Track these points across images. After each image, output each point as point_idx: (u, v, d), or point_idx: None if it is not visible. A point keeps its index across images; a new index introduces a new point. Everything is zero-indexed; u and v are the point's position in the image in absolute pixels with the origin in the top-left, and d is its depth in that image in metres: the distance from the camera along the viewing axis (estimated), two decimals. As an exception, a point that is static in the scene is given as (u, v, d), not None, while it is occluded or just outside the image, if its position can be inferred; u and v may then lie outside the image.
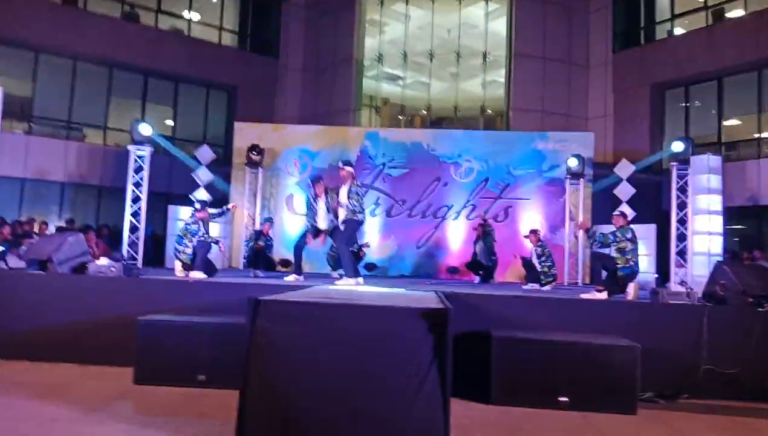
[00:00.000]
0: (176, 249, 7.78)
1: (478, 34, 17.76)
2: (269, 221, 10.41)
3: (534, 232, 9.42)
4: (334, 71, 17.86)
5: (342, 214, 7.41)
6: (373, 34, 18.29)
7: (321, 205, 7.69)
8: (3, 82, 13.17)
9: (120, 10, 16.14)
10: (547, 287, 8.80)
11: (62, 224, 13.45)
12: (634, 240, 7.17)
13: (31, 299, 6.03)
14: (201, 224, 7.75)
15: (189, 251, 7.65)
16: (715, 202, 10.33)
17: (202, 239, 7.69)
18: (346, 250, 7.54)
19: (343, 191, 7.41)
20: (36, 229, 11.22)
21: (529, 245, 9.64)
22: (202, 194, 11.61)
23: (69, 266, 6.47)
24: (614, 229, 7.24)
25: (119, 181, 12.63)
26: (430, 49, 17.71)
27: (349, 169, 7.50)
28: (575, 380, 4.91)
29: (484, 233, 10.27)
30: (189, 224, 7.76)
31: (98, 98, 15.62)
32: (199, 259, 7.59)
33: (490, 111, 17.91)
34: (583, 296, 6.83)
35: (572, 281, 11.60)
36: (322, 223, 7.70)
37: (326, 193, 7.70)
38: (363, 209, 7.59)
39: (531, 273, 9.24)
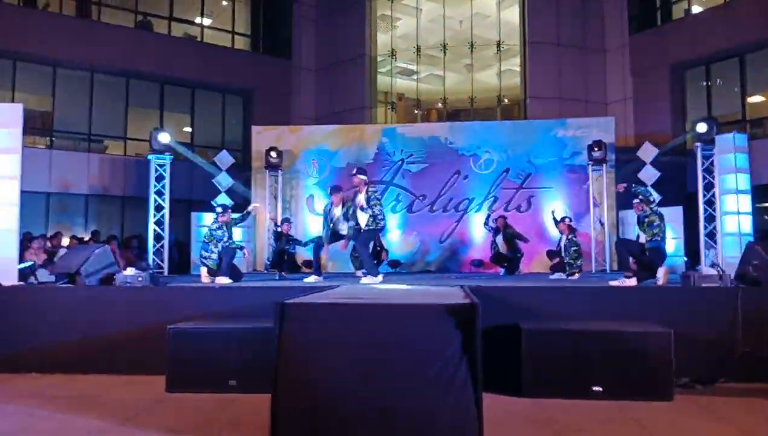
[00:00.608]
0: (202, 255, 7.82)
1: (490, 23, 17.63)
2: (287, 220, 10.36)
3: (563, 220, 9.24)
4: (348, 69, 17.86)
5: (363, 219, 7.48)
6: (384, 29, 18.26)
7: (336, 213, 7.80)
8: (23, 97, 13.46)
9: (133, 19, 16.31)
10: (573, 278, 8.69)
11: (88, 236, 13.62)
12: (662, 217, 7.03)
13: (61, 312, 6.10)
14: (225, 228, 7.79)
15: (215, 256, 7.68)
16: (743, 181, 10.11)
17: (227, 244, 7.72)
18: (366, 251, 7.83)
19: (361, 198, 7.51)
20: (66, 242, 11.39)
21: (555, 234, 9.54)
22: (223, 200, 11.70)
23: (96, 278, 6.54)
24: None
25: (141, 191, 12.77)
26: (443, 42, 17.62)
27: (362, 177, 7.58)
28: (608, 369, 4.83)
29: (504, 229, 10.19)
30: (213, 230, 7.78)
31: (117, 109, 15.83)
32: (225, 264, 7.62)
33: (506, 101, 17.76)
34: (612, 283, 6.73)
35: (600, 268, 11.45)
36: (341, 229, 7.81)
37: (343, 204, 7.82)
38: (384, 215, 7.73)
39: (557, 263, 9.14)
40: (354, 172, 7.69)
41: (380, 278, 7.47)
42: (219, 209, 8.04)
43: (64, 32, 14.77)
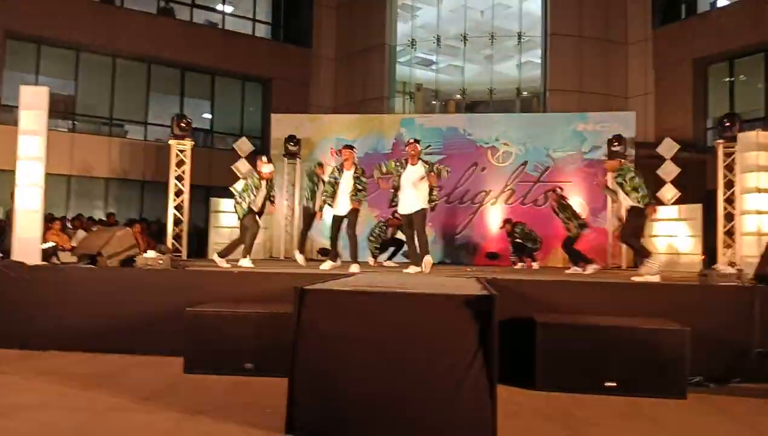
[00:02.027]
0: (236, 201, 7.84)
1: (512, 14, 17.49)
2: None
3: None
4: (367, 58, 17.84)
5: (424, 197, 7.19)
6: (404, 18, 18.19)
7: (346, 178, 7.45)
8: (47, 81, 13.60)
9: (156, 5, 16.42)
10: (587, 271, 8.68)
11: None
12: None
13: (83, 292, 6.23)
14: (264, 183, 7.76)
15: (245, 205, 7.67)
16: (765, 180, 9.96)
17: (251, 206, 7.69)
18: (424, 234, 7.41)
19: (419, 170, 7.20)
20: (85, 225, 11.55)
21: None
22: (240, 186, 11.79)
23: (118, 260, 6.65)
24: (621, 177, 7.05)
25: (161, 176, 12.90)
26: (463, 32, 17.52)
27: (418, 146, 7.36)
28: (623, 365, 4.83)
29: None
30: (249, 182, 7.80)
31: (138, 94, 15.99)
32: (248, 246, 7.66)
33: (526, 93, 17.63)
34: (635, 278, 6.64)
35: (615, 264, 11.39)
36: (343, 194, 7.48)
37: (356, 167, 7.55)
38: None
39: (572, 257, 9.16)
40: (410, 140, 7.44)
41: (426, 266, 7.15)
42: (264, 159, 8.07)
43: (87, 17, 14.93)
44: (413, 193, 7.19)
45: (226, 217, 11.91)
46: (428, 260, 7.08)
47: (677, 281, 6.65)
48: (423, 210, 7.20)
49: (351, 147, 7.75)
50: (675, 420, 4.22)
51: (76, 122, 15.23)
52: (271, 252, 12.36)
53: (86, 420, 3.92)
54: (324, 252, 11.40)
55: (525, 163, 12.12)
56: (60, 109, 14.88)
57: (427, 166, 7.31)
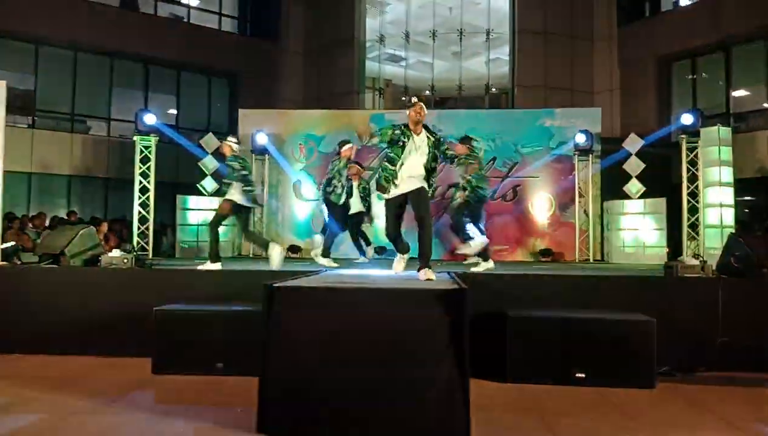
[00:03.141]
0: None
1: (480, 11, 17.60)
2: None
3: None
4: (336, 53, 17.73)
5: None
6: (373, 14, 18.15)
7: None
8: (4, 75, 13.18)
9: (118, -3, 16.07)
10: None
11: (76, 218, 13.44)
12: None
13: (45, 293, 6.05)
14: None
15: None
16: (726, 173, 10.24)
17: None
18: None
19: (425, 141, 5.73)
20: (47, 223, 11.25)
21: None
22: (209, 183, 11.66)
23: (81, 259, 6.48)
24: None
25: (126, 173, 12.63)
26: (432, 28, 17.56)
27: (425, 109, 5.89)
28: (591, 356, 4.91)
29: None
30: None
31: (101, 89, 15.61)
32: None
33: (494, 89, 17.79)
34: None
35: (583, 258, 11.56)
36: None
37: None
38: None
39: None
40: (415, 100, 5.75)
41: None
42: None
43: (47, 8, 14.47)
44: (421, 169, 5.64)
45: (193, 214, 11.73)
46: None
47: (644, 274, 6.79)
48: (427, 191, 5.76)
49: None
50: (644, 409, 4.30)
51: (36, 118, 14.78)
52: (240, 250, 12.21)
53: (51, 424, 3.81)
54: (294, 249, 11.39)
55: (494, 159, 12.19)
56: (18, 105, 14.43)
57: (433, 138, 5.76)
